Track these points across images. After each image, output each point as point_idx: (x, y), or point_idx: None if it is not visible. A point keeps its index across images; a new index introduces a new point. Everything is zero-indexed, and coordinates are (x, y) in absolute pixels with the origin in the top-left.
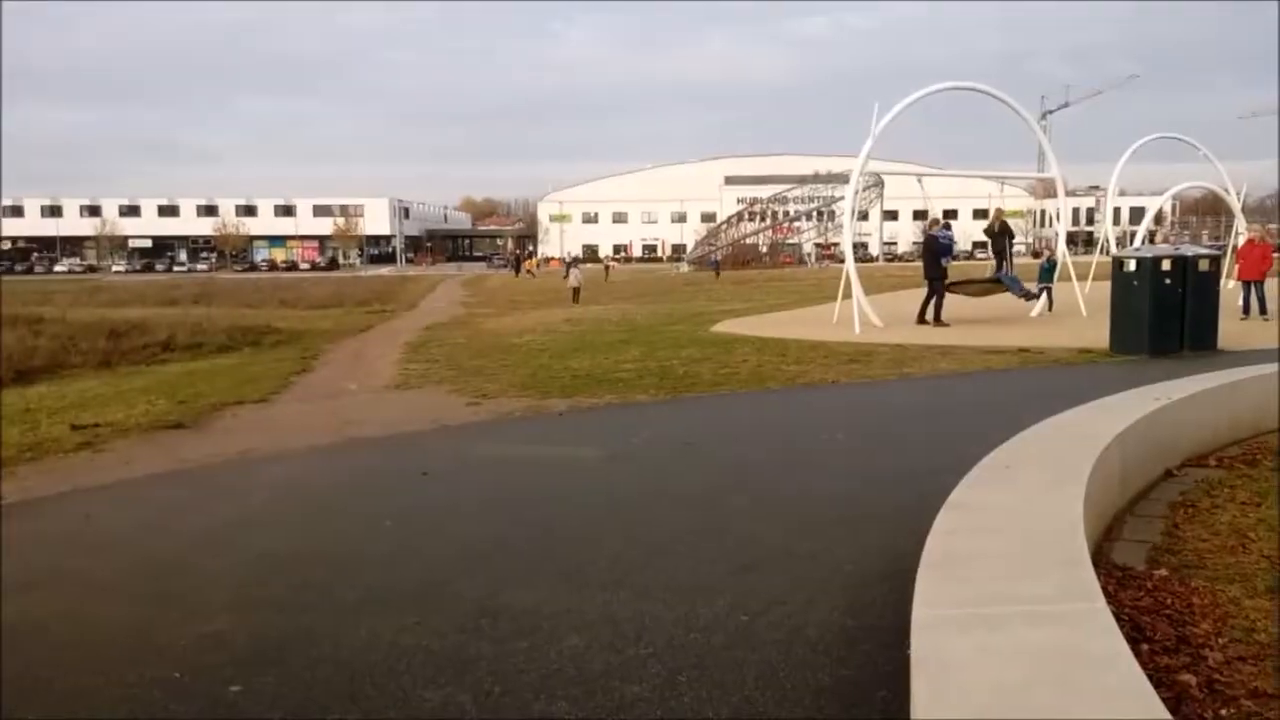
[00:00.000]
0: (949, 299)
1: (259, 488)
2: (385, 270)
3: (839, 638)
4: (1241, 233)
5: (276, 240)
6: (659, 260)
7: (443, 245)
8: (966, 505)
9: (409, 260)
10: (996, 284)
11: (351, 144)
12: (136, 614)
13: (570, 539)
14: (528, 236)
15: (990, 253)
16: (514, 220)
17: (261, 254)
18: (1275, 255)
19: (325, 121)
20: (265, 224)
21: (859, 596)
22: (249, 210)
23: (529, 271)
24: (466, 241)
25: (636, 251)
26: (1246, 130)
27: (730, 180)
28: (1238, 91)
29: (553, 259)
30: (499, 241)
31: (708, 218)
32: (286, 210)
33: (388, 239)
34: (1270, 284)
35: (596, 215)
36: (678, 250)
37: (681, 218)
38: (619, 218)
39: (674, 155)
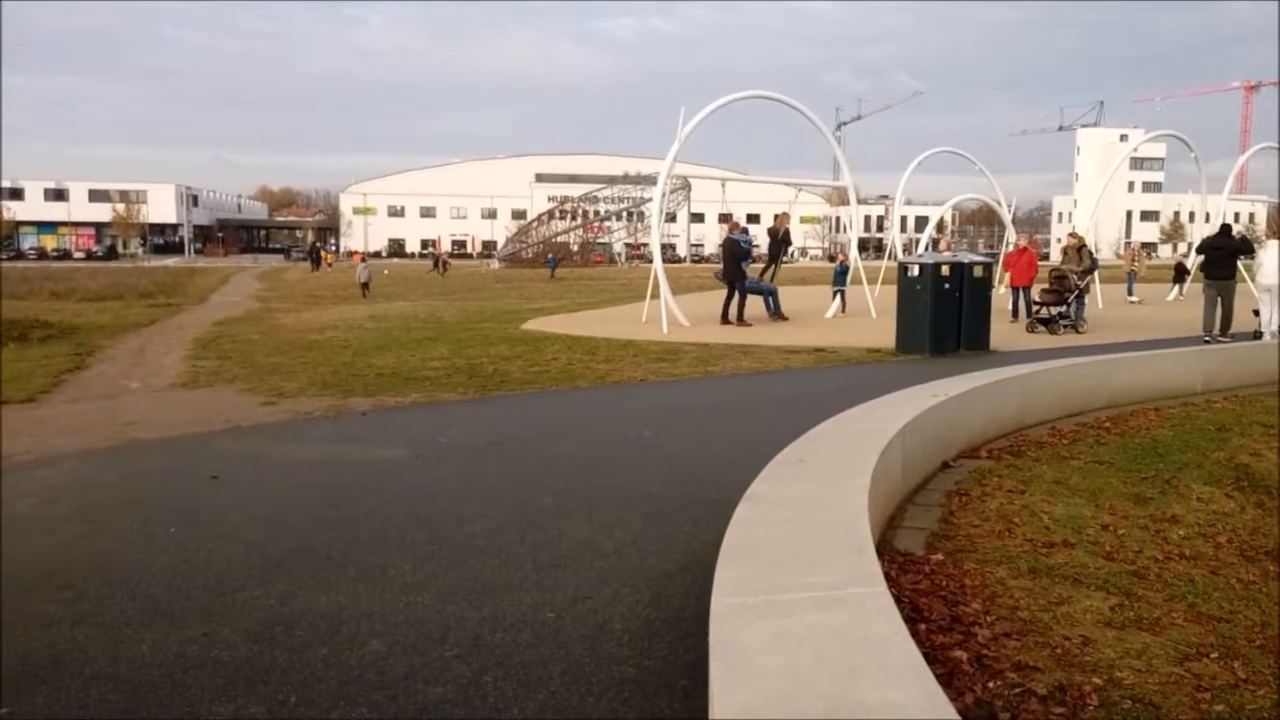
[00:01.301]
0: (751, 299)
1: (23, 495)
2: (171, 261)
3: (643, 630)
4: (1011, 242)
5: (46, 226)
6: (469, 256)
7: (236, 236)
8: (763, 498)
9: (198, 251)
10: (758, 292)
11: (133, 127)
12: None
13: (372, 542)
14: (329, 229)
15: (765, 254)
16: (314, 211)
17: (29, 241)
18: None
19: (103, 102)
20: (33, 209)
21: (663, 589)
22: (14, 193)
23: (328, 265)
24: (262, 233)
25: (446, 247)
26: (1017, 147)
27: (541, 178)
28: (1011, 110)
29: (355, 253)
30: (298, 233)
31: (518, 215)
32: (58, 194)
33: (174, 228)
34: (1036, 289)
35: (403, 209)
36: (488, 247)
37: (492, 214)
38: (427, 212)
39: (484, 150)
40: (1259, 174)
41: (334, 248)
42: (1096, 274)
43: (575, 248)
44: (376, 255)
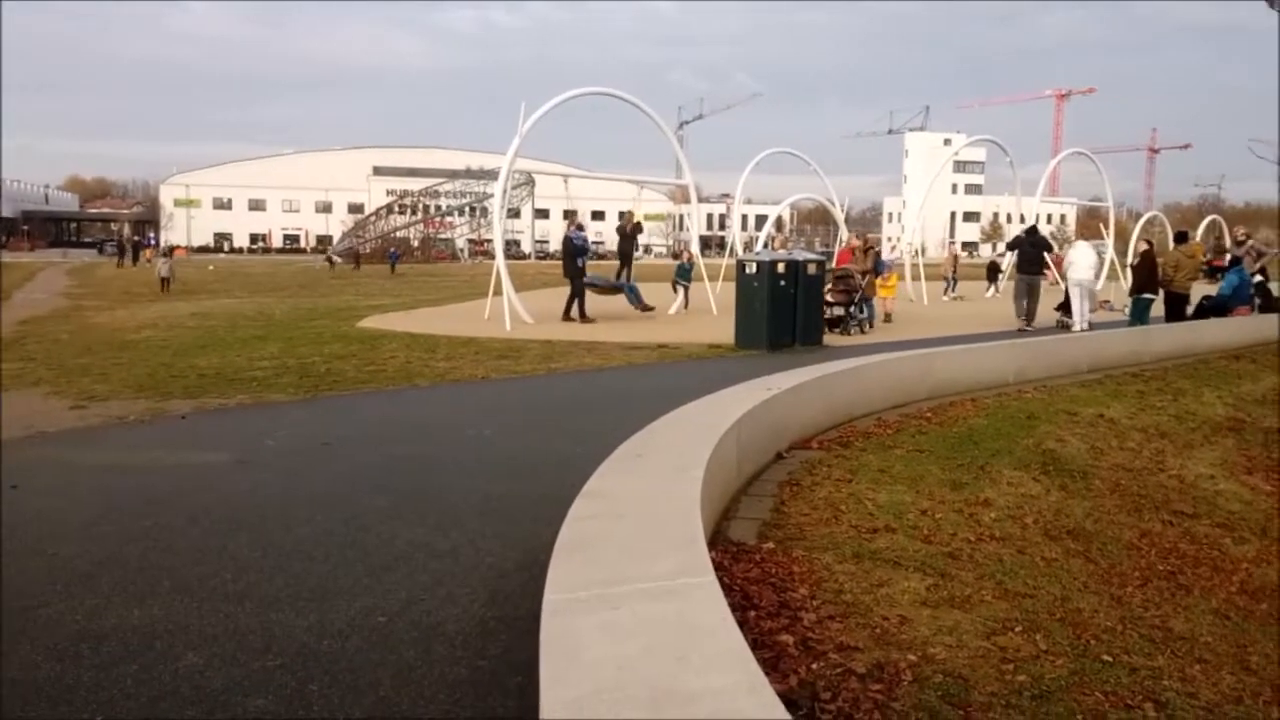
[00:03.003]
0: (593, 296)
1: None
2: None
3: (478, 630)
4: (844, 240)
5: None
6: (302, 251)
7: (44, 229)
8: (600, 493)
9: (1, 245)
10: (616, 290)
11: None
12: None
13: (190, 551)
14: (148, 222)
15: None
16: (131, 204)
17: None
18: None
19: None
20: None
21: (499, 588)
22: None
23: (148, 260)
24: (73, 226)
25: (277, 241)
26: (850, 149)
27: (379, 171)
28: (842, 114)
29: (177, 247)
30: (114, 226)
31: (355, 208)
32: None
33: None
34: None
35: (230, 201)
36: (323, 241)
37: (327, 208)
38: (256, 205)
39: (318, 141)
40: (1069, 178)
41: (152, 242)
42: (923, 271)
43: (416, 243)
44: (203, 250)
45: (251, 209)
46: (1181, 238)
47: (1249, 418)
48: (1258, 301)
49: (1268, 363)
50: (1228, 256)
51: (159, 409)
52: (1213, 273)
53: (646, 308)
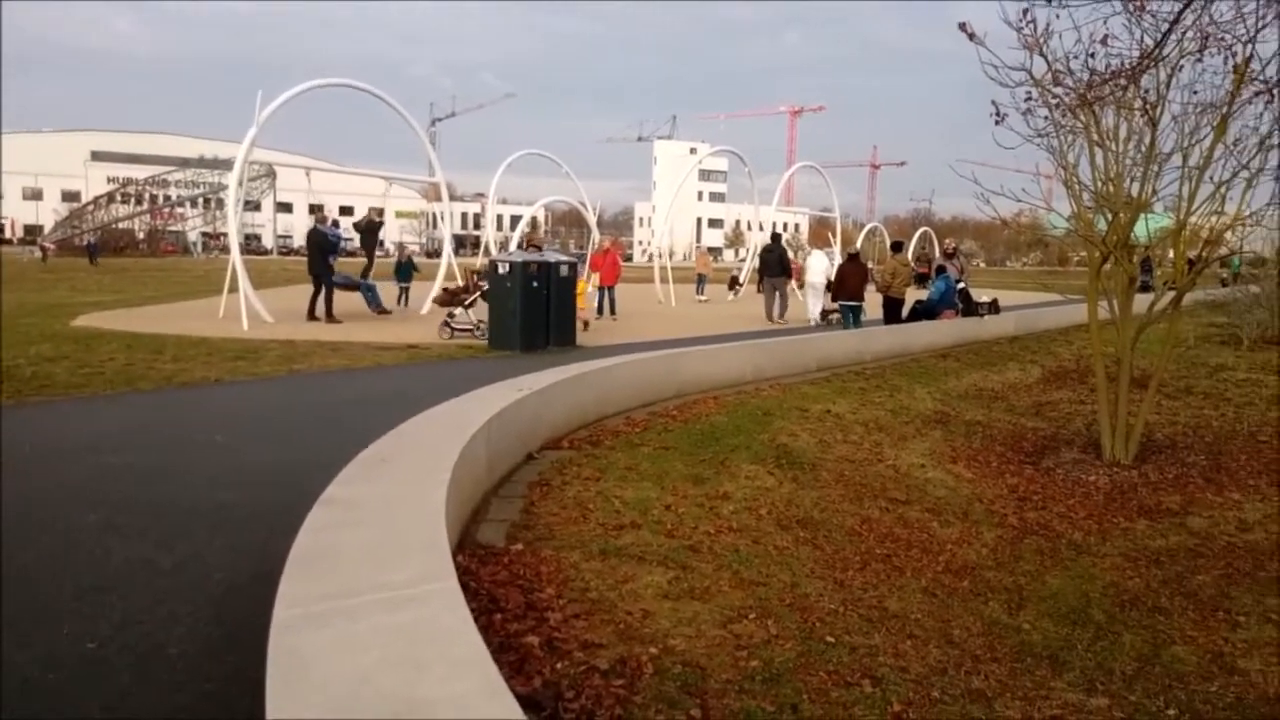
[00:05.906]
0: (340, 294)
1: None
2: None
3: (203, 651)
4: (596, 242)
5: None
6: (8, 242)
7: None
8: (340, 500)
9: None
10: (354, 287)
11: None
12: None
13: None
14: None
15: (362, 249)
16: None
17: None
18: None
19: None
20: None
21: (228, 604)
22: None
23: None
24: None
25: None
26: (603, 153)
27: (98, 156)
28: (595, 119)
29: None
30: None
31: (70, 196)
32: None
33: None
34: (619, 288)
35: None
36: (32, 232)
37: (37, 194)
38: None
39: (25, 122)
40: (802, 189)
41: None
42: (670, 274)
43: (142, 235)
44: None
45: None
46: (897, 247)
47: (953, 411)
48: (960, 306)
49: (969, 361)
50: (934, 265)
51: None
52: (921, 279)
53: (383, 310)
